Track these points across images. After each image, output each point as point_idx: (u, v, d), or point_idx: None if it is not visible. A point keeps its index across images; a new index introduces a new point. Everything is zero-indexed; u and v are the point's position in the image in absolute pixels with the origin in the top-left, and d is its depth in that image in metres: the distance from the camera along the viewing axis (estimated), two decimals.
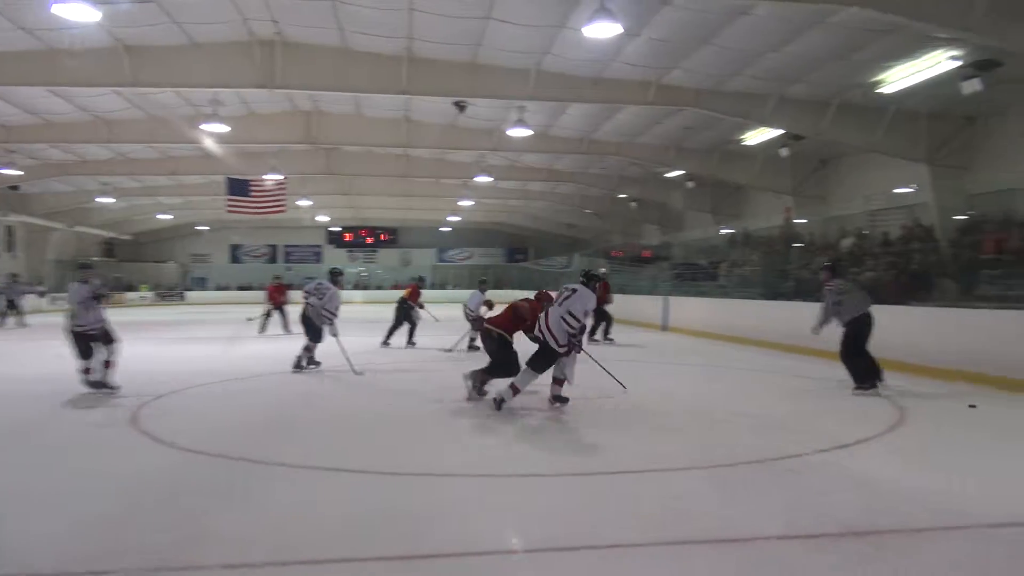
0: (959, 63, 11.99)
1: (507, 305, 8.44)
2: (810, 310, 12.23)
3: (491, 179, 24.83)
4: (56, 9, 9.80)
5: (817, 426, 6.65)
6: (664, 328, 18.66)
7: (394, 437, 6.42)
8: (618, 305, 23.23)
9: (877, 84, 13.99)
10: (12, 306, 20.62)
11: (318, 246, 48.61)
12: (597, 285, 7.87)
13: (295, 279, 46.85)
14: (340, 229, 47.28)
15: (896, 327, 10.31)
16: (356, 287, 47.08)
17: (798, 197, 20.92)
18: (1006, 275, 11.20)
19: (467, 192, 30.52)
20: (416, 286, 15.16)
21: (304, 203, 31.51)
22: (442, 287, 47.75)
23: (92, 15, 10.03)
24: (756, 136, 18.73)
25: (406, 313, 14.71)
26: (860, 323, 8.46)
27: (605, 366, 8.73)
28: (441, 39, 13.61)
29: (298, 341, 11.00)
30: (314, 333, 10.70)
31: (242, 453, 5.63)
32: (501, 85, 15.10)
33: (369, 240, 48.47)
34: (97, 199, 29.38)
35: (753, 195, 24.35)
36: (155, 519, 4.14)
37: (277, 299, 17.56)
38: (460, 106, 16.39)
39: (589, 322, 7.77)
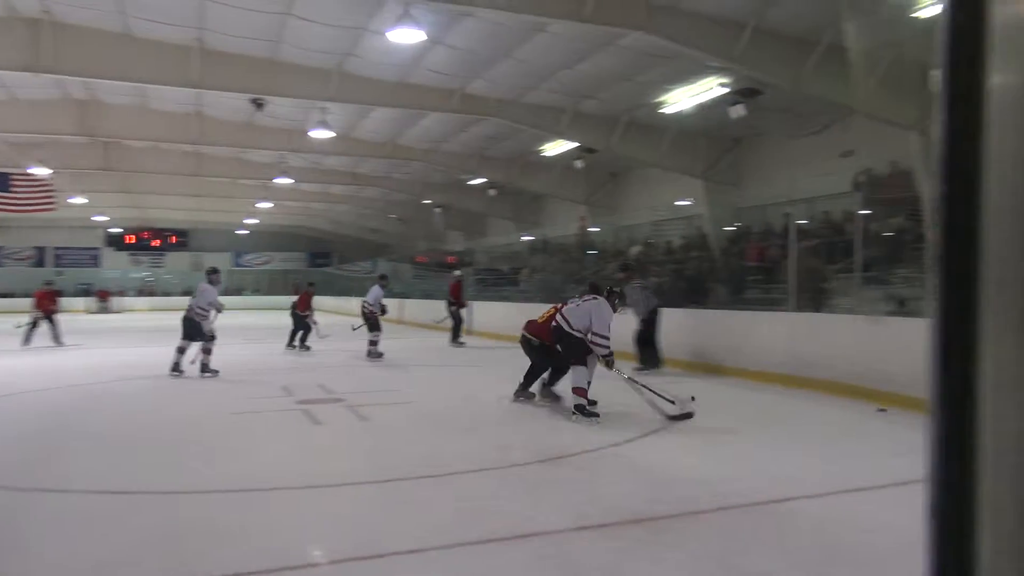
0: (727, 90, 13.34)
1: (548, 313, 7.99)
2: None
3: (291, 181, 23.96)
4: None
5: (608, 421, 7.09)
6: (468, 332, 18.99)
7: (187, 451, 6.01)
8: (423, 310, 23.38)
9: (660, 105, 15.19)
10: None
11: (95, 249, 44.13)
12: (616, 301, 7.70)
13: (67, 285, 42.53)
14: (121, 230, 43.25)
15: (678, 328, 11.28)
16: (141, 293, 43.50)
17: (592, 207, 22.18)
18: (766, 281, 12.63)
19: (266, 194, 29.21)
20: (307, 293, 15.17)
21: (78, 201, 28.54)
22: (238, 293, 45.39)
23: None
24: (554, 148, 19.62)
25: (298, 320, 14.81)
26: (652, 316, 10.34)
27: (655, 389, 7.38)
28: (237, 32, 12.93)
29: (70, 353, 10.07)
30: (193, 333, 10.64)
31: (15, 481, 5.03)
32: (302, 84, 14.63)
33: (155, 243, 44.77)
34: None
35: (551, 204, 25.46)
36: None
37: (47, 307, 15.74)
38: (258, 104, 15.67)
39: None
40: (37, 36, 12.74)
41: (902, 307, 8.81)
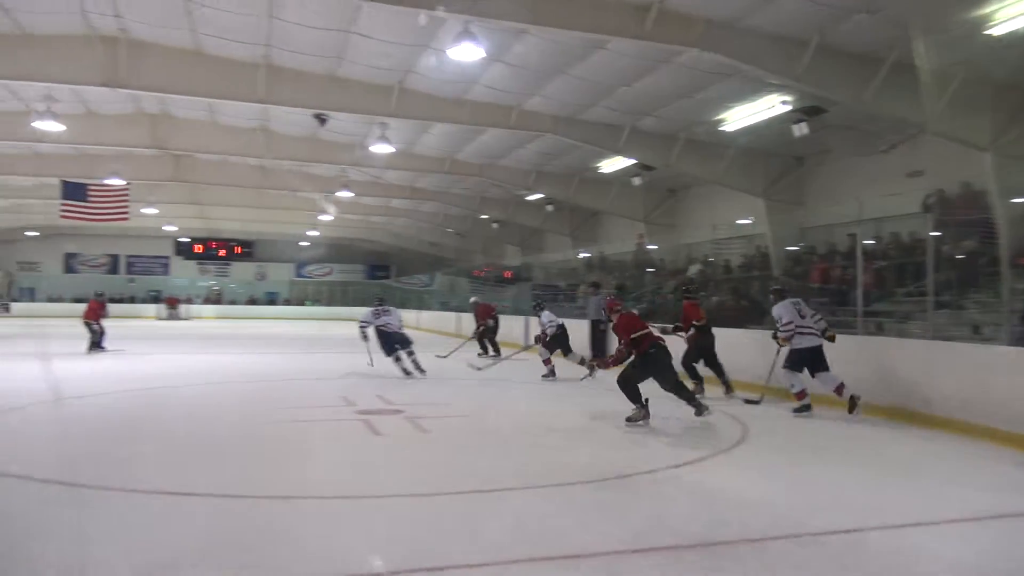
0: (789, 108, 13.09)
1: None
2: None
3: (352, 194, 24.39)
4: None
5: (665, 442, 6.97)
6: (526, 347, 18.95)
7: (247, 457, 6.15)
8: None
9: (719, 122, 14.98)
10: None
11: (165, 257, 45.72)
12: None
13: (138, 292, 44.18)
14: (190, 240, 44.71)
15: (737, 348, 11.03)
16: (207, 302, 44.76)
17: (650, 224, 21.98)
18: (830, 303, 12.27)
19: (327, 207, 29.81)
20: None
21: (150, 211, 29.55)
22: (300, 303, 46.30)
23: None
24: (611, 164, 19.52)
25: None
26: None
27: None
28: (301, 49, 13.26)
29: (140, 358, 10.42)
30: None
31: (79, 478, 5.20)
32: (363, 100, 14.91)
33: (222, 252, 46.10)
34: None
35: (609, 220, 25.33)
36: None
37: (95, 315, 16.21)
38: (321, 119, 16.03)
39: None
40: (114, 54, 13.29)
41: (976, 332, 8.46)
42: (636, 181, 19.01)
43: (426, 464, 6.09)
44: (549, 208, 25.19)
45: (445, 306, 30.85)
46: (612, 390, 10.29)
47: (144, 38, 13.38)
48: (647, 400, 7.75)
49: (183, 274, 45.97)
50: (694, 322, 10.33)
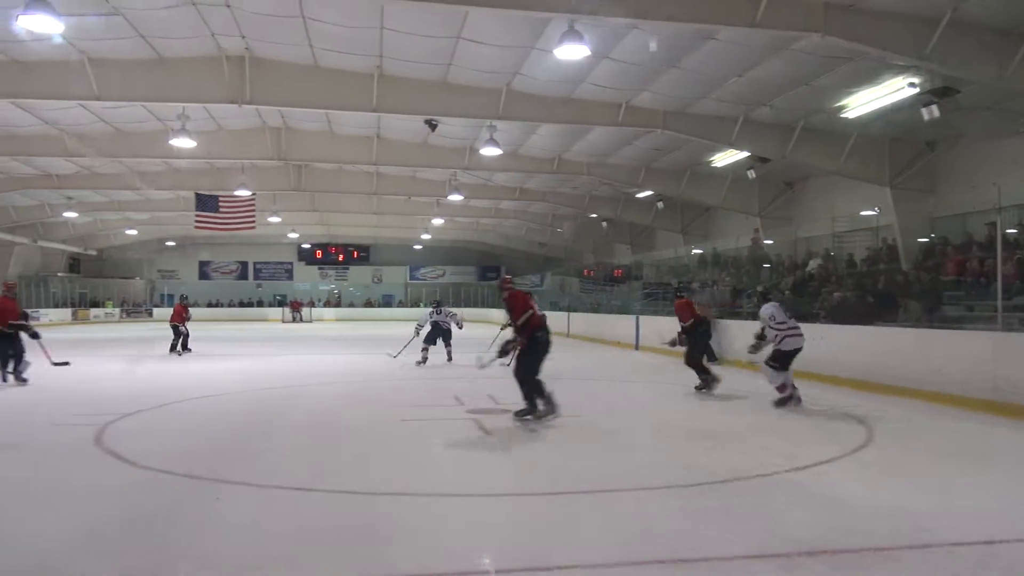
0: (917, 90, 12.27)
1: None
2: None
3: (462, 197, 24.85)
4: (21, 22, 9.62)
5: (784, 445, 6.68)
6: (636, 347, 18.73)
7: (362, 454, 6.37)
8: (591, 324, 23.37)
9: (840, 109, 14.25)
10: None
11: (289, 263, 48.23)
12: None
13: (265, 297, 46.78)
14: (311, 246, 46.92)
15: (862, 346, 10.48)
16: (327, 305, 46.82)
17: (765, 218, 21.20)
18: (967, 296, 11.43)
19: (439, 210, 30.50)
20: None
21: (274, 220, 31.25)
22: (414, 305, 47.65)
23: (56, 27, 9.88)
24: (724, 158, 18.97)
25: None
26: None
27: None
28: (412, 58, 13.62)
29: (261, 359, 10.94)
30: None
31: (207, 472, 5.54)
32: (472, 104, 15.14)
33: (340, 257, 48.18)
34: (63, 214, 28.86)
35: (722, 215, 24.64)
36: (119, 542, 4.06)
37: (180, 319, 17.16)
38: (431, 124, 16.40)
39: None
40: (240, 72, 14.12)
41: None
42: (750, 174, 18.41)
43: (535, 464, 6.10)
44: (659, 205, 24.77)
45: (555, 306, 30.89)
46: (724, 391, 10.01)
47: (266, 55, 14.13)
48: (552, 393, 7.72)
49: (305, 279, 48.30)
50: (683, 324, 10.65)
